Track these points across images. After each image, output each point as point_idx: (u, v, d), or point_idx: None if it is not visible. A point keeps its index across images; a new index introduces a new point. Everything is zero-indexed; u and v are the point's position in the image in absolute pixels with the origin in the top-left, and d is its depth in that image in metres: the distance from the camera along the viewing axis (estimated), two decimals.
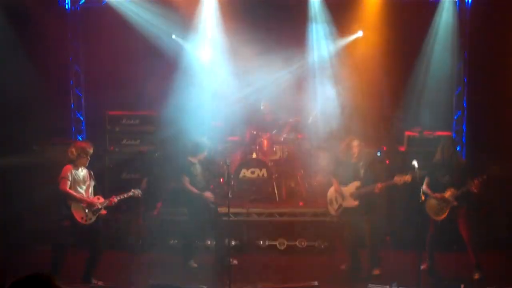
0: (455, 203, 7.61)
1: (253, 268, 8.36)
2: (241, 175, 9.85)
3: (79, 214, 7.28)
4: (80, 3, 10.62)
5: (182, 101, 9.85)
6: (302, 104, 10.69)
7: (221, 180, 10.03)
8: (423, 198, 7.33)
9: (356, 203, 7.89)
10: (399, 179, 7.54)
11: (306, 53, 10.88)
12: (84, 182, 7.41)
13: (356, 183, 7.88)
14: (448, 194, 7.62)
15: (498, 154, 9.25)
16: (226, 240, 8.27)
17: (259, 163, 9.89)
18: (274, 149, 10.27)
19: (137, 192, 7.81)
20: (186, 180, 8.35)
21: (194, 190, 8.34)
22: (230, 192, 7.61)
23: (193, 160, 8.48)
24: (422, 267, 7.46)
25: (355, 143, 7.93)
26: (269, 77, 10.55)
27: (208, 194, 8.43)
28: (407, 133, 9.88)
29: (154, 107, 10.26)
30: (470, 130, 10.61)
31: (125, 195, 7.68)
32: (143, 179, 9.38)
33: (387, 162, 10.05)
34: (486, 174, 7.44)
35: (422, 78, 10.52)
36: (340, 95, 10.50)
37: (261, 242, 9.12)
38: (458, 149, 10.10)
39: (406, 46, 10.57)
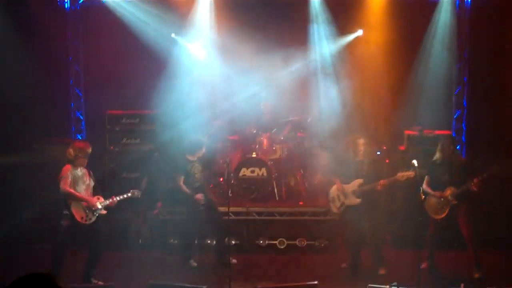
0: (455, 202, 7.62)
1: (253, 267, 8.37)
2: (241, 174, 9.85)
3: (79, 214, 7.28)
4: (80, 2, 10.62)
5: (181, 100, 9.85)
6: (302, 103, 10.70)
7: (221, 179, 10.04)
8: (423, 197, 7.34)
9: (358, 201, 7.89)
10: (402, 176, 7.55)
11: (306, 52, 10.87)
12: (83, 182, 7.40)
13: (359, 181, 7.88)
14: (448, 192, 7.63)
15: (498, 152, 9.24)
16: (226, 239, 8.27)
17: (259, 162, 9.89)
18: (274, 148, 10.27)
19: (136, 192, 7.81)
20: (181, 180, 8.33)
21: (186, 190, 8.33)
22: (230, 191, 7.60)
23: (192, 158, 8.46)
24: (422, 266, 7.47)
25: (361, 141, 7.93)
26: (269, 76, 10.56)
27: (198, 196, 8.32)
28: (407, 132, 9.90)
29: (153, 106, 10.25)
30: (470, 129, 10.63)
31: (125, 196, 7.68)
32: (143, 178, 9.38)
33: (387, 161, 10.07)
34: (486, 172, 7.44)
35: (422, 77, 10.52)
36: (340, 94, 10.51)
37: (261, 241, 9.13)
38: (458, 148, 10.12)
39: (406, 45, 10.58)
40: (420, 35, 10.56)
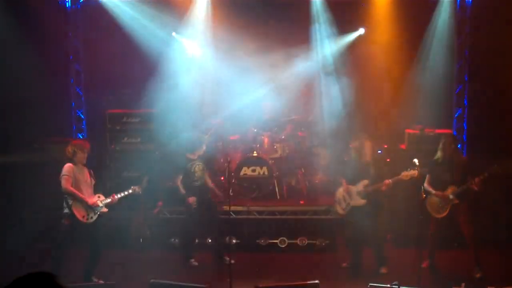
0: (456, 201, 7.61)
1: (254, 266, 8.36)
2: (242, 173, 9.85)
3: (80, 213, 7.28)
4: (81, 1, 10.61)
5: (181, 99, 9.85)
6: (303, 102, 10.69)
7: (222, 178, 10.03)
8: (424, 196, 7.33)
9: (363, 201, 7.88)
10: (406, 175, 7.54)
11: (307, 51, 10.86)
12: (84, 180, 7.40)
13: (365, 182, 7.87)
14: (449, 191, 7.62)
15: (499, 152, 9.23)
16: (227, 238, 8.27)
17: (260, 161, 9.89)
18: (275, 147, 10.26)
19: (137, 189, 7.80)
20: (179, 179, 8.33)
21: (182, 191, 8.33)
22: (231, 190, 7.59)
23: (192, 156, 8.45)
24: (423, 265, 7.46)
25: (369, 143, 7.93)
26: (270, 75, 10.55)
27: (190, 200, 8.33)
28: (407, 130, 9.89)
29: (154, 105, 10.25)
30: (471, 128, 10.61)
31: (126, 193, 7.68)
32: (143, 177, 9.36)
33: (388, 160, 10.06)
34: (487, 172, 7.43)
35: (423, 76, 10.51)
36: (341, 93, 10.50)
37: (262, 240, 9.12)
38: (459, 146, 10.10)
39: (407, 44, 10.57)
40: (421, 34, 10.55)
